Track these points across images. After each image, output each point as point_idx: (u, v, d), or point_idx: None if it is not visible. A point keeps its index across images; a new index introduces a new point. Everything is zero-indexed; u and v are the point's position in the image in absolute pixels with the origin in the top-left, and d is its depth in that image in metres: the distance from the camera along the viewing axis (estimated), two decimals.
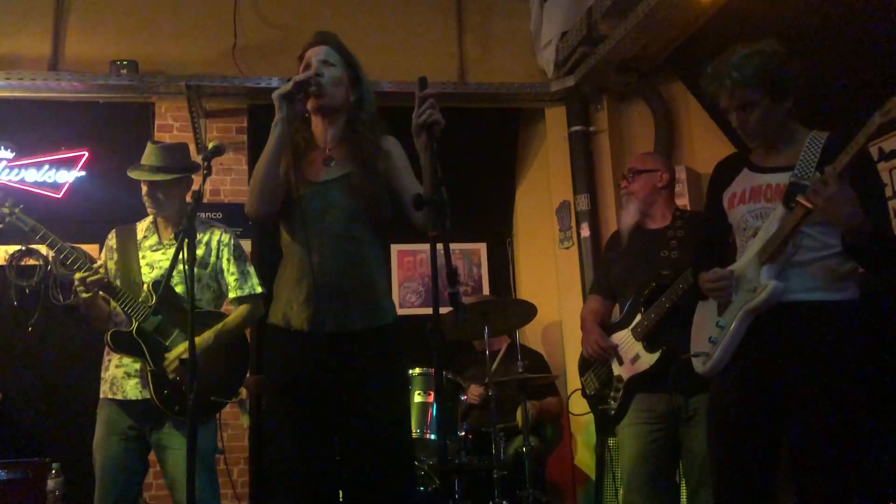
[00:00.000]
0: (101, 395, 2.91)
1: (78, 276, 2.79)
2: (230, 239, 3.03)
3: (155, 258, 2.97)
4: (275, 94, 2.16)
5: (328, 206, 2.21)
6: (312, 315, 2.16)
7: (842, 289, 2.23)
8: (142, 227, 3.06)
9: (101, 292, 2.87)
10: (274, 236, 2.37)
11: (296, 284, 2.20)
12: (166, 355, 2.82)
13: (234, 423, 4.39)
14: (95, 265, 2.87)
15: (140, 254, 2.98)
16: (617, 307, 3.27)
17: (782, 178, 2.28)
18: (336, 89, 2.27)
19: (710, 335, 2.33)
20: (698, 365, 2.41)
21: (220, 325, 2.91)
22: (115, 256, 2.99)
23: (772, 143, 2.35)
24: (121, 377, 2.86)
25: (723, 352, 2.30)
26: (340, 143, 2.31)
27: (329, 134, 2.31)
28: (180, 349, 2.81)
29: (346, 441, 2.19)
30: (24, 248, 4.59)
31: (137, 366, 2.86)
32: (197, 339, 2.74)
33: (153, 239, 3.01)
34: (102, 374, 2.94)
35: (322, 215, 2.20)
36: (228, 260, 3.00)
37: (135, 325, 2.84)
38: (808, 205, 2.08)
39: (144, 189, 2.98)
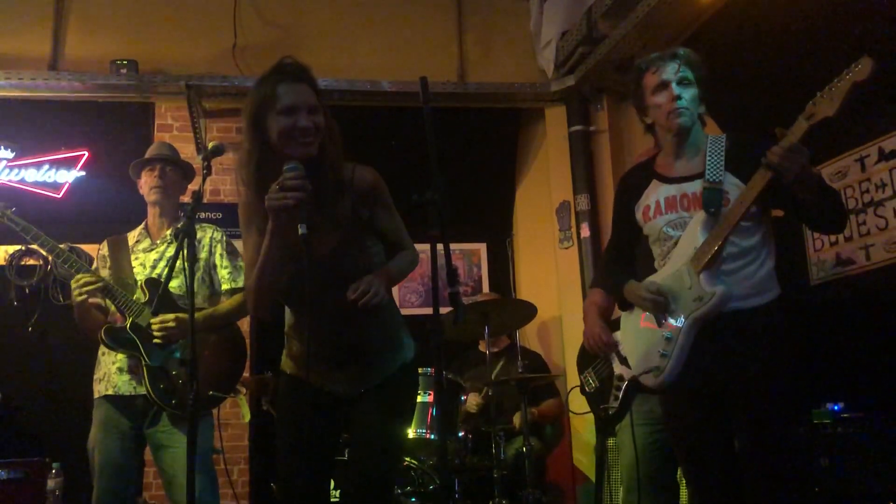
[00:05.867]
0: (96, 396, 2.91)
1: (77, 277, 2.80)
2: (222, 236, 3.08)
3: (148, 258, 2.99)
4: (271, 205, 1.93)
5: (332, 282, 2.06)
6: (345, 382, 2.18)
7: (768, 290, 2.28)
8: (133, 234, 3.09)
9: (96, 300, 2.88)
10: None
11: (316, 352, 2.13)
12: (151, 321, 2.81)
13: (235, 422, 4.39)
14: (93, 268, 2.88)
15: (132, 256, 3.00)
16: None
17: (696, 187, 2.33)
18: (319, 139, 2.06)
19: (660, 349, 2.32)
20: (650, 380, 2.38)
21: (209, 311, 2.92)
22: (108, 263, 3.01)
23: (684, 141, 2.39)
24: (113, 372, 2.87)
25: (675, 363, 2.28)
26: (315, 186, 2.05)
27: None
28: (168, 316, 2.81)
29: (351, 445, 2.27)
30: (24, 247, 4.59)
31: (130, 361, 2.86)
32: (182, 317, 2.79)
33: (146, 242, 3.04)
34: (95, 375, 2.95)
35: (327, 290, 2.06)
36: (221, 255, 3.02)
37: (129, 320, 2.84)
38: (787, 164, 2.07)
39: (155, 172, 3.01)
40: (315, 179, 2.02)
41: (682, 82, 2.35)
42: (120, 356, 2.87)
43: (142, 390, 2.81)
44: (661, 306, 2.32)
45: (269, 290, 2.07)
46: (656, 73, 2.36)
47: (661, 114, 2.37)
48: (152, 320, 2.81)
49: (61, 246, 2.90)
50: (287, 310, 2.26)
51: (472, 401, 4.07)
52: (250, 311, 2.14)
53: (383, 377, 2.19)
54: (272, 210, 1.94)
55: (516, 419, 4.07)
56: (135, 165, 3.07)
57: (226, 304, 2.98)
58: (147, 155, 3.09)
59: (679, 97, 2.33)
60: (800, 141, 2.07)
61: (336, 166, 2.10)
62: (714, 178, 2.28)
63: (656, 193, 2.43)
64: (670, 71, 2.35)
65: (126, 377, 2.86)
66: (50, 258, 4.60)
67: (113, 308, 2.93)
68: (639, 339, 2.45)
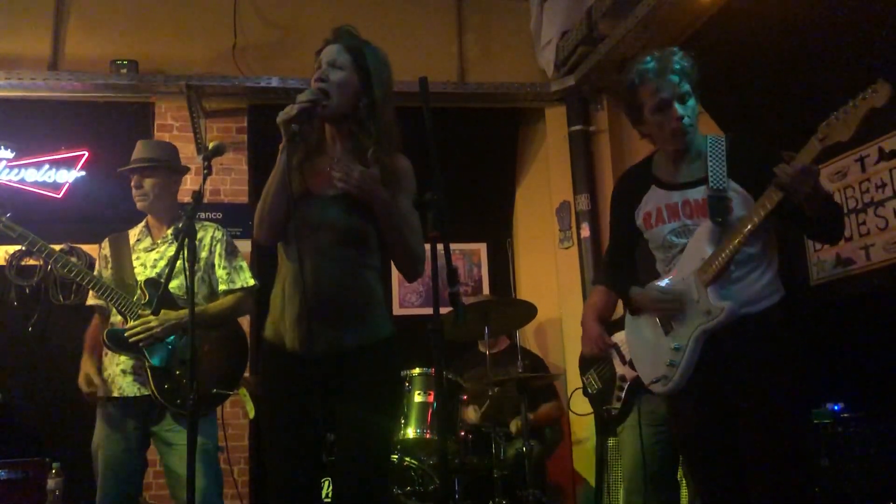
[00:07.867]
0: (99, 395, 2.91)
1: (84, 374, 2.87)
2: (223, 235, 3.06)
3: (149, 258, 2.99)
4: (280, 119, 2.06)
5: (323, 222, 2.12)
6: (304, 335, 2.10)
7: (772, 293, 2.28)
8: (134, 232, 3.09)
9: (98, 302, 2.92)
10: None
11: (288, 301, 2.14)
12: (127, 326, 2.82)
13: (235, 422, 4.39)
14: (96, 270, 2.90)
15: (133, 256, 3.00)
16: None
17: (698, 193, 2.29)
18: (341, 95, 2.15)
19: (668, 359, 2.32)
20: (658, 388, 2.38)
21: (199, 309, 2.87)
22: (110, 263, 3.01)
23: (685, 147, 2.34)
24: (118, 374, 2.88)
25: (683, 372, 2.29)
26: (349, 152, 2.19)
27: (336, 141, 2.22)
28: (148, 318, 2.81)
29: (335, 445, 2.22)
30: (24, 247, 4.58)
31: (133, 363, 2.86)
32: (172, 314, 2.83)
33: (147, 241, 3.04)
34: (100, 376, 2.94)
35: (316, 231, 2.12)
36: (220, 255, 3.02)
37: (130, 322, 2.85)
38: (798, 185, 2.05)
39: (132, 183, 3.01)
40: (356, 126, 2.17)
41: (682, 98, 2.28)
42: (123, 358, 2.88)
43: (146, 391, 2.82)
44: (674, 311, 2.31)
45: (270, 212, 2.12)
46: (655, 94, 2.27)
47: (665, 132, 2.31)
48: (130, 323, 2.83)
49: (58, 249, 2.91)
50: (279, 263, 2.23)
51: (469, 415, 4.05)
52: (260, 242, 2.17)
53: (342, 347, 2.12)
54: (281, 124, 2.06)
55: (513, 426, 4.05)
56: (120, 174, 3.07)
57: (216, 303, 2.98)
58: (130, 163, 3.05)
59: (683, 117, 2.27)
60: (812, 162, 2.06)
61: (382, 126, 2.18)
62: (718, 185, 2.24)
63: (656, 199, 2.39)
64: (669, 88, 2.26)
65: (130, 378, 2.86)
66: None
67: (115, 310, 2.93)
68: (646, 347, 2.44)
